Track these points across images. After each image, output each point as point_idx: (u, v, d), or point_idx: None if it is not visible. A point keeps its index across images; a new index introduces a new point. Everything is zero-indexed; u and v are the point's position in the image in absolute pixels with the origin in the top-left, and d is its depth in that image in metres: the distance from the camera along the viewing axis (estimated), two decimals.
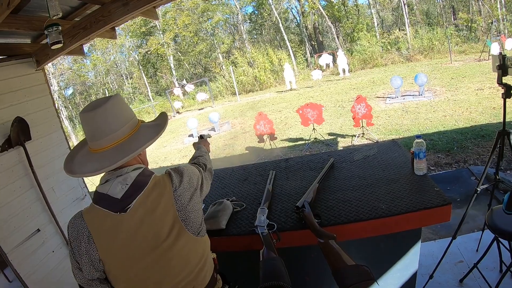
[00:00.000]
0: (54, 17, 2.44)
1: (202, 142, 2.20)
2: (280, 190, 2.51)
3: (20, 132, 3.16)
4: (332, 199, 2.22)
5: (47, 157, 3.58)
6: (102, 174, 1.37)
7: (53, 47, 2.55)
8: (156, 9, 3.58)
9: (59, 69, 25.27)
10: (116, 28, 3.75)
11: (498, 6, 19.51)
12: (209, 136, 2.39)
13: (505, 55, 2.37)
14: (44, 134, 3.59)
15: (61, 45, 2.57)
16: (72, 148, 1.59)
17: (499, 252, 2.76)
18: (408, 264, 2.28)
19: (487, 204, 2.87)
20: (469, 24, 20.74)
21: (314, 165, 2.80)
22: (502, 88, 2.38)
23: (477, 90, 10.31)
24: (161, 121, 1.51)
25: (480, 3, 20.79)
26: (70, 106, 26.58)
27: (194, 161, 1.82)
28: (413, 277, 2.36)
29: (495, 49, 13.58)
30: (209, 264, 1.54)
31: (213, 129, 12.79)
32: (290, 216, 2.13)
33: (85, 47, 4.01)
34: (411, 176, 2.29)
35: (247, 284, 1.84)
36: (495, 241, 2.66)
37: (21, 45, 3.39)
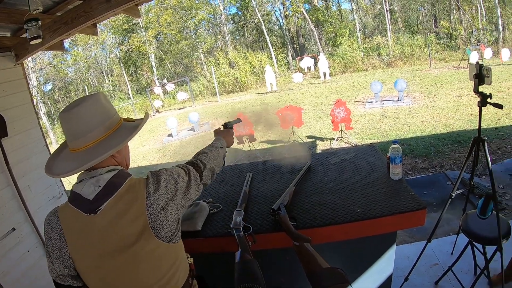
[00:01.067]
0: (35, 11, 2.38)
1: (223, 133, 2.09)
2: (257, 192, 2.50)
3: None
4: (308, 202, 2.22)
5: (23, 154, 3.48)
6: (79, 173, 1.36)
7: (32, 42, 2.51)
8: (139, 7, 3.53)
9: (38, 64, 24.71)
10: (98, 24, 3.69)
11: (479, 16, 20.03)
12: (239, 121, 2.29)
13: (482, 64, 2.41)
14: (21, 130, 3.49)
15: (40, 40, 2.52)
16: (49, 144, 1.54)
17: (474, 255, 2.80)
18: (384, 267, 2.30)
19: (462, 209, 2.91)
20: (450, 33, 21.21)
21: (291, 168, 2.80)
22: (478, 96, 2.42)
23: (455, 97, 10.54)
24: (139, 123, 1.48)
25: (461, 13, 21.28)
26: (49, 102, 26.04)
27: (195, 157, 1.73)
28: (389, 280, 2.38)
29: (474, 57, 13.93)
30: (183, 269, 1.49)
31: (192, 129, 12.70)
32: (266, 219, 2.12)
33: (66, 43, 3.92)
34: (387, 181, 2.31)
35: (224, 286, 1.82)
36: (470, 245, 2.71)
37: (0, 38, 3.28)
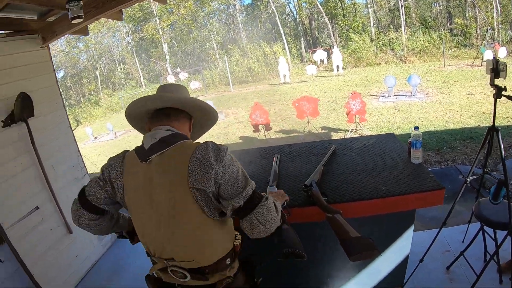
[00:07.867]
0: None
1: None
2: (286, 172, 2.64)
3: (23, 108, 3.14)
4: (336, 181, 2.37)
5: (48, 135, 3.56)
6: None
7: (73, 21, 2.54)
8: None
9: (52, 51, 24.77)
10: None
11: (494, 14, 19.82)
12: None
13: (498, 59, 2.56)
14: (47, 112, 3.58)
15: (82, 20, 2.57)
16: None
17: (484, 241, 2.93)
18: (402, 247, 2.48)
19: (474, 198, 3.03)
20: (464, 30, 21.03)
21: (317, 151, 2.94)
22: (494, 89, 2.58)
23: (468, 94, 10.59)
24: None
25: (477, 10, 21.07)
26: (60, 89, 26.11)
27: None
28: (405, 260, 2.57)
29: (488, 56, 13.88)
30: (221, 247, 1.52)
31: None
32: (298, 194, 2.26)
33: None
34: (408, 164, 2.48)
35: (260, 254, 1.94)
36: (481, 231, 2.85)
37: (27, 21, 3.34)
